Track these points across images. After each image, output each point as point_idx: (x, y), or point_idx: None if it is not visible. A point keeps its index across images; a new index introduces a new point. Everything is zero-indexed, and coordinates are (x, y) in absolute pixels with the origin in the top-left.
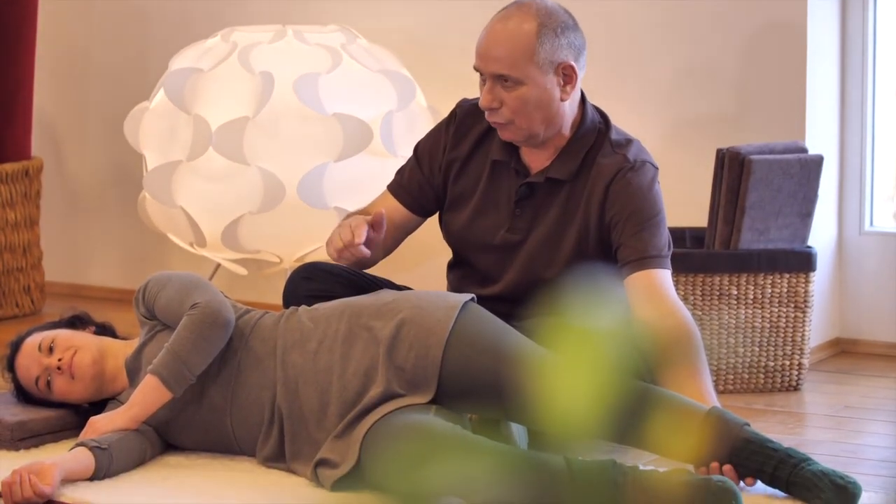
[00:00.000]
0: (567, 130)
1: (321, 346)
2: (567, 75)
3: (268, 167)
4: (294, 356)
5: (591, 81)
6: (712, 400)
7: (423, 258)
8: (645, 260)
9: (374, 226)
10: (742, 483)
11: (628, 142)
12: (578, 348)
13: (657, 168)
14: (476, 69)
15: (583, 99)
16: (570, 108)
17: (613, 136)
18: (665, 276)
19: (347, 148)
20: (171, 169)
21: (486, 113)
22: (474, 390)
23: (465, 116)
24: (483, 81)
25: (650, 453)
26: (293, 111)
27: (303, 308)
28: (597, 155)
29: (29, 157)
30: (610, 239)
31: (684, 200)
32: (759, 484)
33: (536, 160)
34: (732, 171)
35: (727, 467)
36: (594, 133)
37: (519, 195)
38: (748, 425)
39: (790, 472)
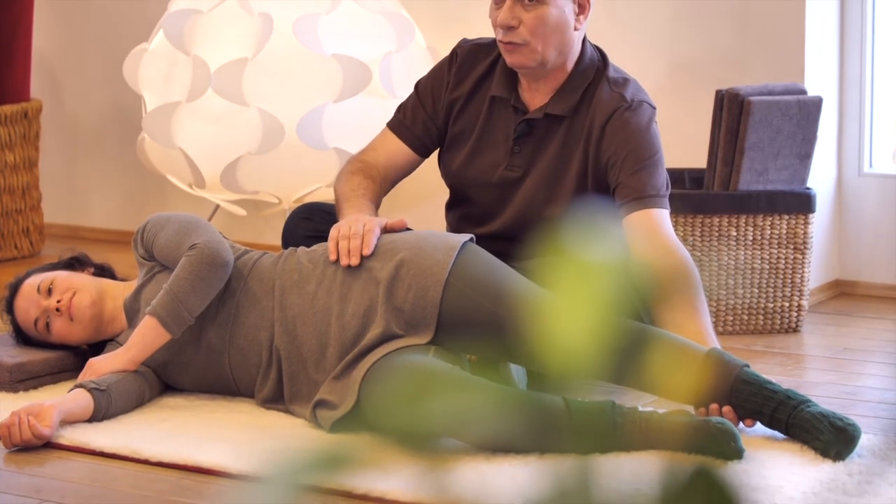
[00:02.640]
0: (569, 66)
1: (320, 287)
2: (581, 5)
3: (267, 108)
4: (292, 297)
5: (590, 22)
6: (712, 340)
7: (422, 198)
8: (643, 199)
9: (390, 229)
10: (741, 424)
11: (625, 81)
12: (576, 286)
13: (654, 108)
14: None
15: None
16: (578, 41)
17: (611, 73)
18: (663, 215)
19: (346, 89)
20: (170, 110)
21: (501, 32)
22: (473, 330)
23: (466, 56)
24: (497, 5)
25: (649, 394)
26: (292, 52)
27: (301, 249)
28: (595, 94)
29: (28, 98)
30: (607, 178)
31: (683, 141)
32: (759, 425)
33: (535, 97)
34: (732, 112)
35: (726, 408)
36: (592, 69)
37: (518, 132)
38: (747, 366)
39: (789, 414)
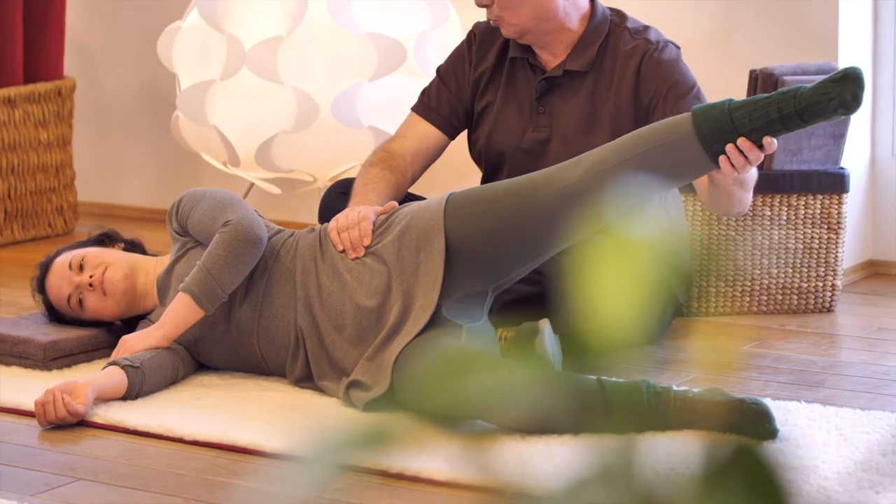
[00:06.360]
0: (575, 25)
1: (332, 269)
2: None
3: (302, 86)
4: (310, 277)
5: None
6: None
7: (457, 177)
8: None
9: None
10: (763, 150)
11: (646, 28)
12: (622, 262)
13: (679, 48)
14: None
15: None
16: (571, 5)
17: (630, 25)
18: None
19: (381, 67)
20: (204, 88)
21: (486, 11)
22: (490, 244)
23: (484, 34)
24: None
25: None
26: (327, 30)
27: (318, 227)
28: (617, 45)
29: (61, 76)
30: (650, 123)
31: None
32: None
33: (552, 58)
34: (765, 91)
35: (741, 141)
36: (606, 25)
37: (539, 91)
38: (733, 99)
39: (794, 103)
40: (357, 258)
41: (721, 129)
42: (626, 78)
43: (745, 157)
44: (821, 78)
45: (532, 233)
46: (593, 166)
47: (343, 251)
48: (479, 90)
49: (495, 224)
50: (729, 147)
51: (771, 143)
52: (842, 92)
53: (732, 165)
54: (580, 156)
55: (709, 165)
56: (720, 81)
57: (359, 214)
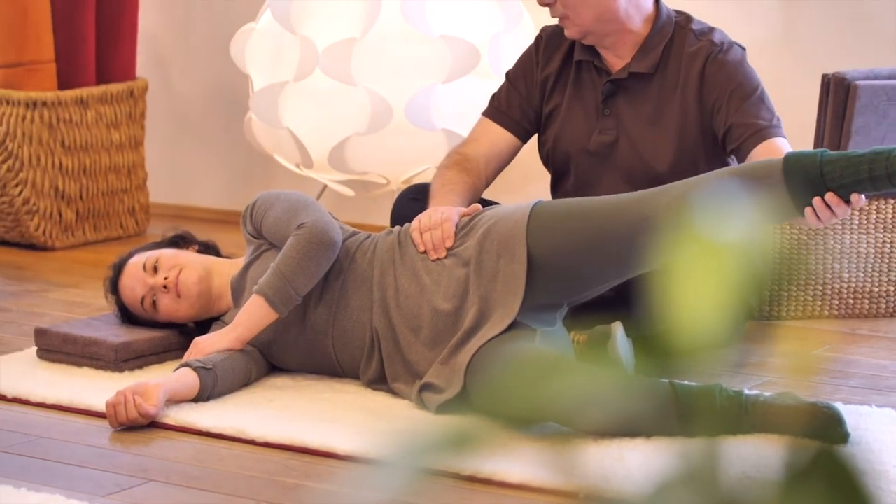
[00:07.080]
0: (639, 27)
1: (411, 270)
2: None
3: (375, 88)
4: (388, 279)
5: (690, 4)
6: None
7: (529, 181)
8: (760, 132)
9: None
10: (849, 206)
11: (711, 29)
12: (699, 266)
13: (744, 49)
14: None
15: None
16: (633, 6)
17: (695, 26)
18: (786, 143)
19: (455, 70)
20: (277, 90)
21: (550, 10)
22: (567, 267)
23: (551, 38)
24: None
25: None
26: (400, 32)
27: (398, 229)
28: (682, 47)
29: (134, 77)
30: (713, 126)
31: (788, 125)
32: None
33: (617, 60)
34: (838, 96)
35: (829, 196)
36: (671, 26)
37: (605, 94)
38: (826, 151)
39: (885, 165)
40: (437, 259)
41: (810, 180)
42: (691, 79)
43: (832, 210)
44: None
45: (612, 255)
46: (679, 199)
47: (424, 252)
48: (546, 92)
49: (577, 243)
50: (816, 200)
51: (858, 199)
52: None
53: (818, 217)
54: (667, 185)
55: (794, 213)
56: (788, 86)
57: (442, 215)
